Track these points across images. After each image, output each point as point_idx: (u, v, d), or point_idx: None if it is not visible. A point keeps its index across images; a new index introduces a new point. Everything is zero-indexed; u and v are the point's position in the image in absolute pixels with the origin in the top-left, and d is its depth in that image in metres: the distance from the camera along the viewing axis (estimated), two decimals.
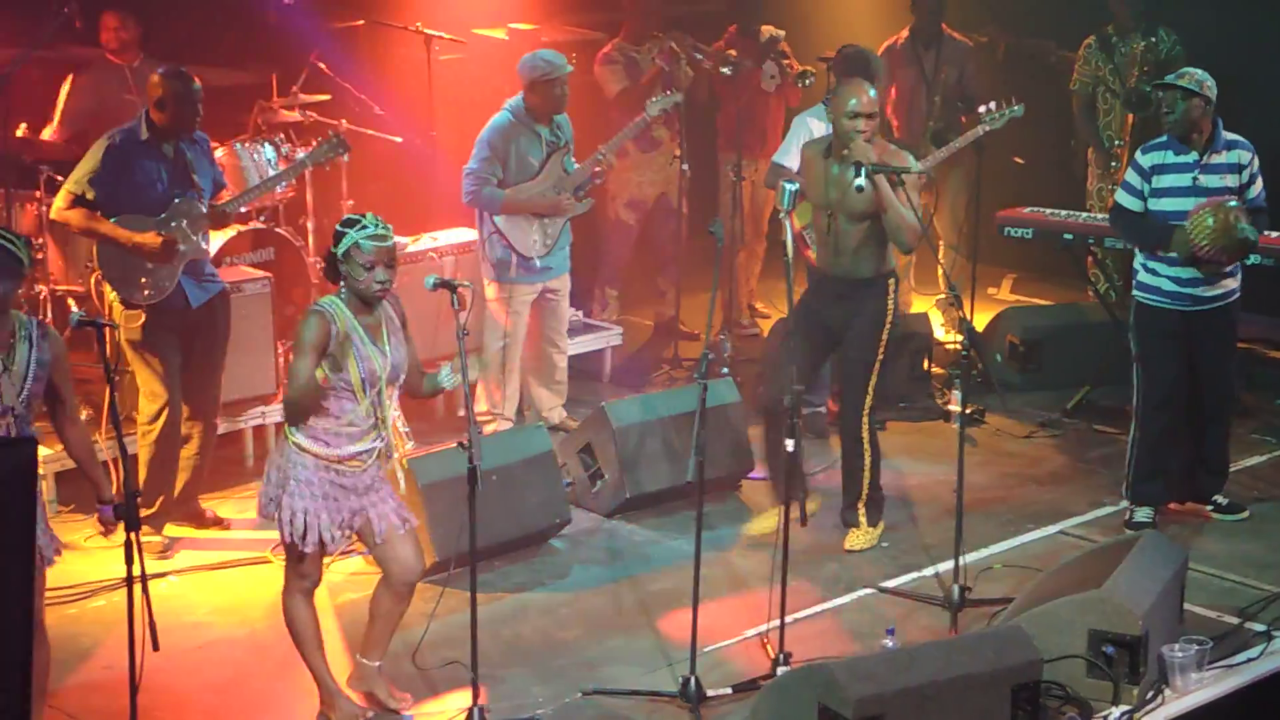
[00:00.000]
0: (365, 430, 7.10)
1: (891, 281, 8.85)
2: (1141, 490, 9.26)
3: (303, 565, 7.21)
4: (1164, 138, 8.97)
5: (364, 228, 7.01)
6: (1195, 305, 9.02)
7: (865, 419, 8.89)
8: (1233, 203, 8.78)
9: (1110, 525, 9.29)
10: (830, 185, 8.67)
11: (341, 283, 7.07)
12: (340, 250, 7.01)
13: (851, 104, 8.46)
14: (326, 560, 7.38)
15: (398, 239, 10.62)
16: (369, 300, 7.07)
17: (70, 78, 10.70)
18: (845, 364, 9.01)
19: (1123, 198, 9.11)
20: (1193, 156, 8.88)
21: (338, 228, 7.09)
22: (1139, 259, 9.14)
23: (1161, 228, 8.91)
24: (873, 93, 8.53)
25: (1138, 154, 9.07)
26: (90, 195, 8.74)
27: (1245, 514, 9.45)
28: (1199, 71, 8.93)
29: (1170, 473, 9.36)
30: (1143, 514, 9.22)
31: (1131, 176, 9.06)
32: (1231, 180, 8.92)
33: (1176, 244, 8.84)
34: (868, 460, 8.96)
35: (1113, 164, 12.02)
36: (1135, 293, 9.15)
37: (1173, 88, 8.87)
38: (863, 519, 9.06)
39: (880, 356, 8.82)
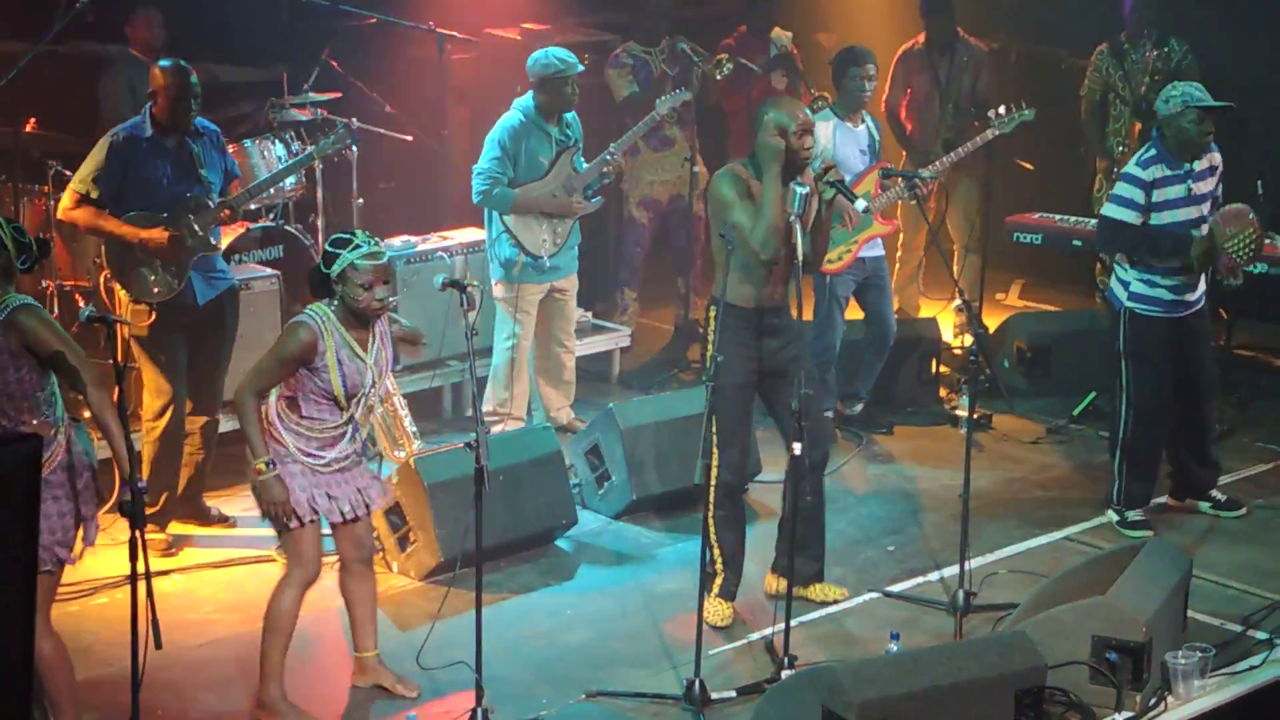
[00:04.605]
0: (339, 436, 7.12)
1: None
2: (1135, 492, 9.27)
3: (304, 557, 7.19)
4: (1153, 151, 8.90)
5: (357, 246, 6.89)
6: (1185, 311, 9.06)
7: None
8: (1241, 205, 8.87)
9: (1115, 532, 9.27)
10: (786, 209, 7.72)
11: (335, 297, 7.00)
12: (334, 271, 6.89)
13: (794, 123, 7.73)
14: (328, 559, 7.36)
15: (408, 238, 10.76)
16: (366, 317, 7.00)
17: (102, 81, 10.75)
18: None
19: (1117, 211, 8.94)
20: (1185, 167, 8.89)
21: (327, 248, 6.97)
22: (1131, 271, 9.03)
23: (1178, 237, 8.86)
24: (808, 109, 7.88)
25: (1134, 169, 8.93)
26: (95, 194, 8.69)
27: (1244, 510, 9.48)
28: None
29: (1157, 474, 9.41)
30: (1136, 514, 9.25)
31: (1129, 190, 8.92)
32: (1212, 183, 8.99)
33: (1200, 254, 8.82)
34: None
35: (1117, 170, 12.03)
36: (1130, 304, 9.04)
37: (1219, 109, 8.87)
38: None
39: None
